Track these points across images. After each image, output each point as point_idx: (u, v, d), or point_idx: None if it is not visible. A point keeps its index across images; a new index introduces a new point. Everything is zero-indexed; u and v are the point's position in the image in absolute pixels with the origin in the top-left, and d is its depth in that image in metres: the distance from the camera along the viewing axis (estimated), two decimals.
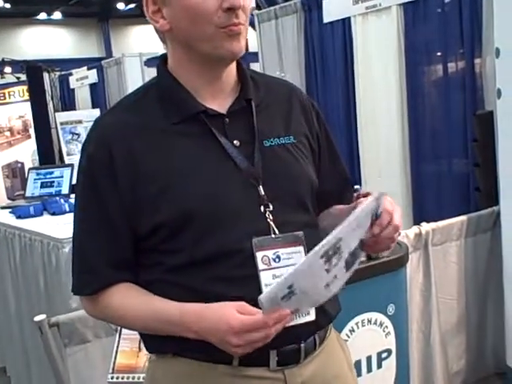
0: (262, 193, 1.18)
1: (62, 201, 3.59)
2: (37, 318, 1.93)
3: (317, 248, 1.02)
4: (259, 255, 1.15)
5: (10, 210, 3.70)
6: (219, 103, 1.22)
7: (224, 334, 1.05)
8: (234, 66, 1.25)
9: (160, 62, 1.26)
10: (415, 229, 2.78)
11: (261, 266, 1.15)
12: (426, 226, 2.81)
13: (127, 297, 1.18)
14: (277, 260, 1.17)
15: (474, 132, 3.37)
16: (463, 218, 2.97)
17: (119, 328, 1.93)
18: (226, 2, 1.12)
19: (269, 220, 1.17)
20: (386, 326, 2.20)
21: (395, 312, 2.22)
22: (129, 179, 1.15)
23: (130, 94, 1.29)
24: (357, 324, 2.12)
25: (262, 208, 1.18)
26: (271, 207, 1.18)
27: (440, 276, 2.89)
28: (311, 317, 1.20)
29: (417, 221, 3.61)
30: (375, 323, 2.17)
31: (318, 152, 1.34)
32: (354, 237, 1.10)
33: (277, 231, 1.17)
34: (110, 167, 1.15)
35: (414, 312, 2.76)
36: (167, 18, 1.16)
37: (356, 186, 1.52)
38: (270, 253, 1.17)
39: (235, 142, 1.20)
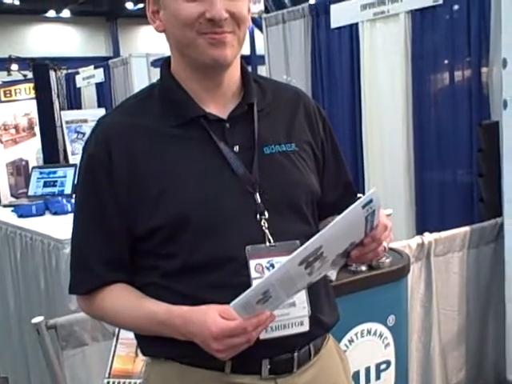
0: (259, 200, 1.18)
1: (65, 201, 3.60)
2: (35, 320, 1.92)
3: (293, 255, 1.01)
4: (252, 263, 1.15)
5: (12, 208, 3.70)
6: (220, 108, 1.22)
7: (205, 338, 1.07)
8: (237, 70, 1.25)
9: (163, 64, 1.27)
10: (417, 239, 2.76)
11: (254, 274, 1.15)
12: (428, 237, 2.79)
13: (121, 297, 1.20)
14: (271, 269, 1.16)
15: (478, 142, 3.36)
16: (466, 228, 2.95)
17: (117, 332, 1.92)
18: (207, 13, 1.13)
19: (264, 228, 1.17)
20: (386, 337, 2.18)
21: (395, 323, 2.21)
22: (126, 180, 1.16)
23: (132, 95, 1.30)
24: (356, 334, 2.11)
25: (258, 216, 1.17)
26: (267, 215, 1.18)
27: (441, 287, 2.87)
28: (305, 327, 1.19)
29: (419, 230, 3.59)
30: (375, 334, 2.16)
31: (323, 160, 1.33)
32: (339, 243, 1.08)
33: (271, 239, 1.17)
34: (109, 167, 1.16)
35: (414, 323, 2.75)
36: (162, 19, 1.19)
37: (359, 195, 1.51)
38: (263, 261, 1.16)
39: (235, 147, 1.19)
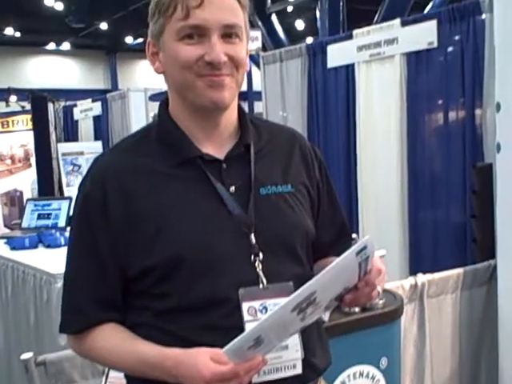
0: (253, 241, 1.18)
1: (58, 234, 3.59)
2: (23, 356, 1.90)
3: (286, 301, 1.00)
4: (245, 306, 1.15)
5: (5, 240, 3.68)
6: (217, 148, 1.23)
7: (196, 382, 1.05)
8: (234, 111, 1.27)
9: (161, 105, 1.28)
10: (411, 280, 2.76)
11: (246, 317, 1.15)
12: (421, 278, 2.78)
13: (112, 337, 1.19)
14: (263, 311, 1.16)
15: (472, 183, 3.38)
16: (459, 270, 2.95)
17: (106, 370, 1.90)
18: (207, 56, 1.15)
19: (258, 270, 1.17)
20: (378, 380, 2.16)
21: (388, 365, 2.19)
22: (121, 220, 1.16)
23: (130, 135, 1.31)
24: (348, 376, 2.09)
25: (252, 257, 1.17)
26: (261, 256, 1.18)
27: (434, 329, 2.86)
28: (297, 370, 1.18)
29: (413, 271, 3.58)
30: (367, 376, 2.14)
31: (318, 201, 1.34)
32: (333, 289, 1.08)
33: (265, 281, 1.17)
34: (104, 207, 1.17)
35: (406, 364, 2.72)
36: (162, 61, 1.22)
37: (353, 235, 1.51)
38: (256, 304, 1.16)
39: (231, 188, 1.20)
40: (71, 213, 1.40)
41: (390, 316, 2.20)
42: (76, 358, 1.93)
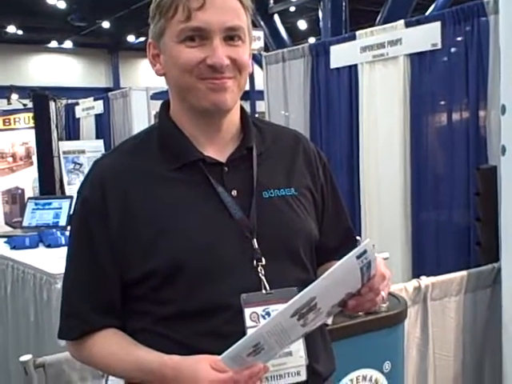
0: (256, 246, 1.16)
1: (59, 233, 3.57)
2: (23, 358, 1.87)
3: (284, 307, 0.99)
4: (247, 312, 1.13)
5: (5, 239, 3.67)
6: (219, 151, 1.21)
7: None
8: (236, 114, 1.25)
9: (162, 107, 1.26)
10: (414, 282, 2.73)
11: (249, 322, 1.13)
12: (425, 280, 2.76)
13: (111, 343, 1.17)
14: (266, 317, 1.13)
15: (476, 185, 3.35)
16: (463, 273, 2.93)
17: (106, 373, 1.88)
18: (208, 59, 1.13)
19: (260, 275, 1.15)
20: None
21: (391, 369, 2.16)
22: (121, 223, 1.14)
23: (131, 137, 1.29)
24: (351, 380, 2.07)
25: (255, 262, 1.15)
26: (264, 261, 1.15)
27: (438, 331, 2.84)
28: (302, 377, 1.17)
29: (416, 274, 3.56)
30: (370, 380, 2.11)
31: (322, 205, 1.32)
32: (334, 294, 1.06)
33: (268, 287, 1.15)
34: (103, 211, 1.15)
35: (409, 368, 2.70)
36: (162, 63, 1.20)
37: (356, 238, 1.49)
38: (259, 309, 1.14)
39: (233, 192, 1.18)
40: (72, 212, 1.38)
41: (393, 320, 2.18)
42: (75, 360, 1.91)
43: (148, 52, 1.22)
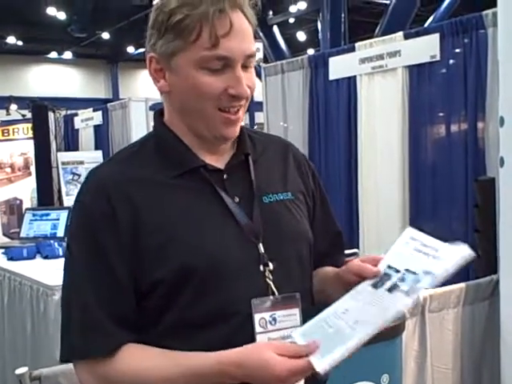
0: (262, 251, 1.15)
1: (56, 244, 3.57)
2: (18, 371, 1.85)
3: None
4: (257, 317, 1.12)
5: (2, 250, 3.66)
6: (216, 158, 1.21)
7: (269, 381, 1.02)
8: None
9: (157, 116, 1.24)
10: None
11: (258, 328, 1.12)
12: (423, 292, 2.74)
13: (146, 357, 1.09)
14: (273, 322, 1.13)
15: (475, 197, 3.35)
16: (461, 285, 2.92)
17: None
18: (232, 89, 1.11)
19: (268, 280, 1.14)
20: None
21: (389, 382, 2.15)
22: (130, 229, 1.10)
23: (125, 148, 1.26)
24: None
25: (262, 267, 1.14)
26: (271, 266, 1.15)
27: (436, 344, 2.82)
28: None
29: None
30: None
31: (313, 209, 1.33)
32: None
33: (276, 292, 1.14)
34: (111, 219, 1.10)
35: (407, 380, 2.68)
36: (169, 82, 1.15)
37: (355, 250, 1.49)
38: (267, 315, 1.13)
39: (235, 198, 1.17)
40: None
41: (391, 332, 2.17)
42: (72, 373, 1.88)
43: (149, 65, 1.16)
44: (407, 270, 1.11)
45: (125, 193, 1.12)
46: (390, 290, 1.09)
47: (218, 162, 1.21)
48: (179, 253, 1.10)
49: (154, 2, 1.17)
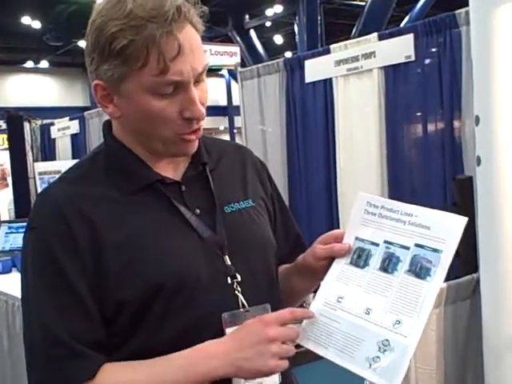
0: (229, 262, 1.12)
1: None
2: None
3: None
4: (228, 331, 1.09)
5: None
6: (172, 170, 1.16)
7: (258, 331, 1.03)
8: None
9: (105, 129, 1.17)
10: None
11: None
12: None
13: (128, 369, 1.05)
14: None
15: (453, 196, 3.35)
16: (443, 285, 2.89)
17: None
18: (187, 112, 1.06)
19: (237, 292, 1.11)
20: None
21: None
22: (91, 252, 1.05)
23: (74, 166, 1.18)
24: None
25: (229, 279, 1.11)
26: (239, 278, 1.12)
27: (419, 345, 2.79)
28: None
29: None
30: None
31: (274, 213, 1.31)
32: None
33: (245, 304, 1.11)
34: (70, 239, 1.04)
35: None
36: (119, 107, 1.08)
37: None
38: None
39: (196, 210, 1.13)
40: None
41: None
42: None
43: (95, 93, 1.08)
44: (388, 242, 1.09)
45: (81, 213, 1.06)
46: (387, 269, 1.08)
47: (175, 172, 1.16)
48: (142, 274, 1.05)
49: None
